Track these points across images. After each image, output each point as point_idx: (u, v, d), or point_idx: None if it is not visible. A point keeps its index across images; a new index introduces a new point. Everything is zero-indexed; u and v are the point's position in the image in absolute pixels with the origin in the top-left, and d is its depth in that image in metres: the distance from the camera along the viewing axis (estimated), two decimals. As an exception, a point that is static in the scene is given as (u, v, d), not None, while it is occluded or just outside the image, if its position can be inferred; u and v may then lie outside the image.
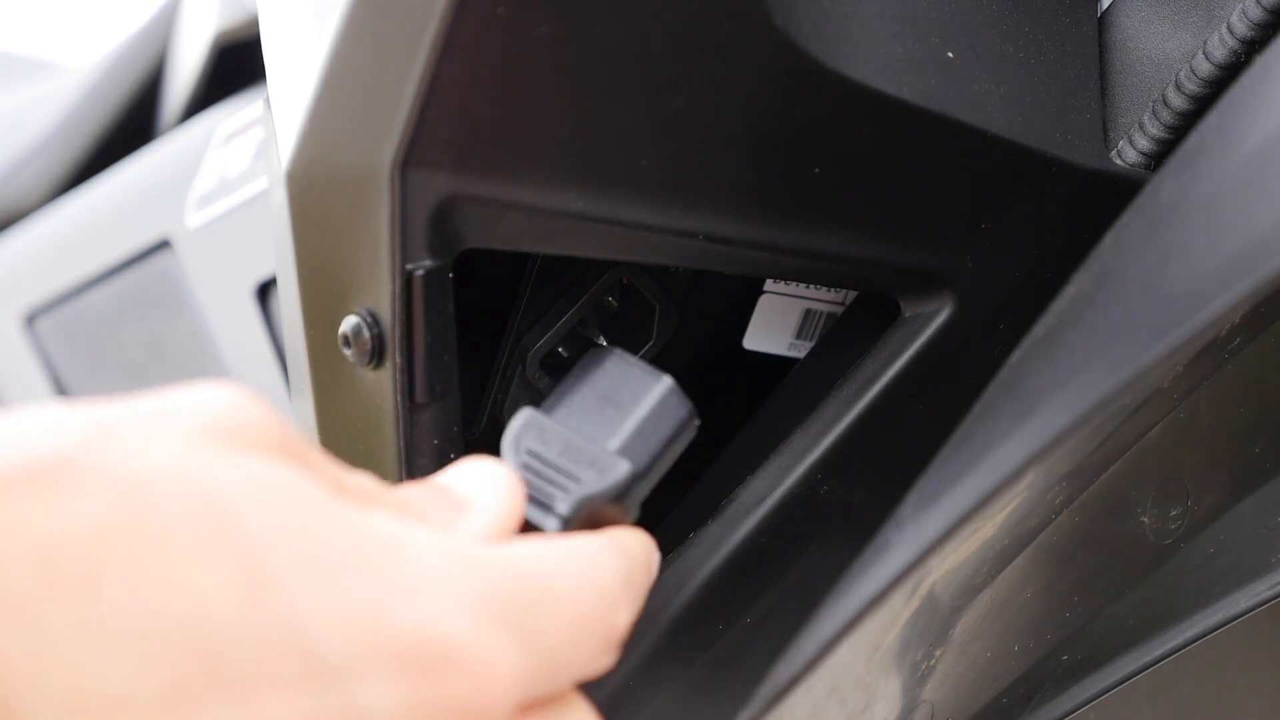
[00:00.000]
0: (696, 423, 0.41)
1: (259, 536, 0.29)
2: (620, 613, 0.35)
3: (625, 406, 0.40)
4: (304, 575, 0.30)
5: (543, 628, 0.33)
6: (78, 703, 0.27)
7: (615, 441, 0.40)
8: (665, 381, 0.41)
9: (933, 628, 0.42)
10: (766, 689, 0.38)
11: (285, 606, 0.29)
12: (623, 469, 0.39)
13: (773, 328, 0.52)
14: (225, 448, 0.30)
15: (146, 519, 0.29)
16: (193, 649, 0.28)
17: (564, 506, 0.38)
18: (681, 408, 0.41)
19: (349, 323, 0.42)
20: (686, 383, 0.43)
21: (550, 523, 0.38)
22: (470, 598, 0.32)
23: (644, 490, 0.40)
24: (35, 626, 0.27)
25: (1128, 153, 0.46)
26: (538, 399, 0.47)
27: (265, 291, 0.85)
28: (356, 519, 0.31)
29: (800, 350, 0.53)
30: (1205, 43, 0.45)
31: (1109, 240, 0.37)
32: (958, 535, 0.37)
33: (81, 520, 0.28)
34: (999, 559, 0.41)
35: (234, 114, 0.91)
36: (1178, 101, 0.45)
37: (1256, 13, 0.43)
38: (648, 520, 0.41)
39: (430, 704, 0.31)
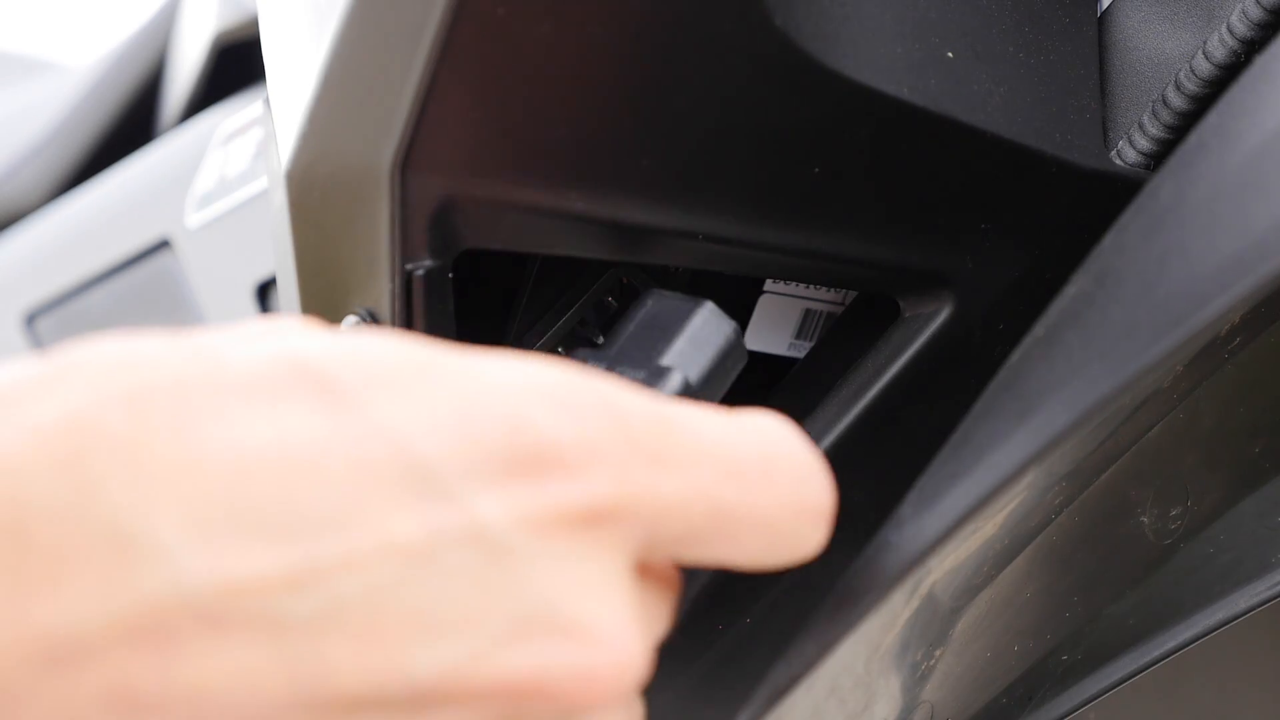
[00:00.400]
0: (743, 343, 0.40)
1: (329, 365, 0.29)
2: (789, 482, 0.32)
3: (669, 330, 0.40)
4: (381, 393, 0.29)
5: (676, 453, 0.31)
6: (196, 527, 0.27)
7: (664, 359, 0.39)
8: (705, 304, 0.40)
9: (932, 628, 0.42)
10: (766, 689, 0.38)
11: (372, 423, 0.29)
12: (675, 377, 0.38)
13: (773, 328, 0.52)
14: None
15: (227, 371, 0.29)
16: (288, 480, 0.28)
17: None
18: (726, 325, 0.40)
19: (349, 322, 0.42)
20: (686, 383, 0.43)
21: None
22: (573, 401, 0.30)
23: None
24: (141, 463, 0.27)
25: (1128, 153, 0.46)
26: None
27: (265, 291, 0.85)
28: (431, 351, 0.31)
29: (800, 350, 0.53)
30: (1205, 43, 0.45)
31: (1109, 240, 0.37)
32: (958, 535, 0.37)
33: (169, 374, 0.28)
34: (999, 559, 0.41)
35: (234, 114, 0.91)
36: (1178, 101, 0.45)
37: (1256, 13, 0.43)
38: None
39: (545, 510, 0.30)
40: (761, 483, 0.32)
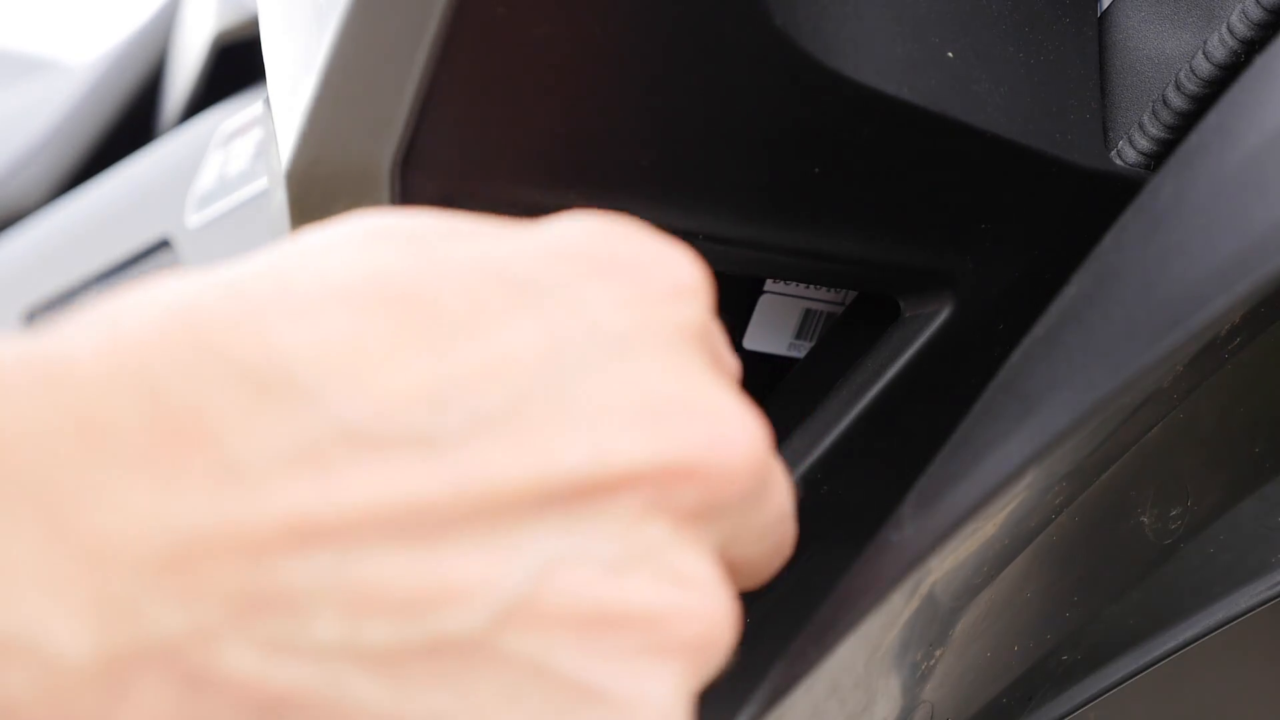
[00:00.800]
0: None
1: (408, 221, 0.32)
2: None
3: None
4: (463, 237, 0.32)
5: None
6: (332, 361, 0.29)
7: None
8: None
9: (933, 628, 0.42)
10: (766, 689, 0.38)
11: (471, 254, 0.31)
12: None
13: (773, 328, 0.53)
14: None
15: (320, 233, 0.32)
16: (408, 306, 0.30)
17: None
18: None
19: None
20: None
21: None
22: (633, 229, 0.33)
23: None
24: (264, 311, 0.29)
25: (1128, 153, 0.46)
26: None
27: (265, 291, 0.85)
28: None
29: (800, 350, 0.53)
30: (1205, 43, 0.45)
31: (1109, 240, 0.37)
32: (958, 535, 0.37)
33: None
34: (999, 559, 0.41)
35: (234, 114, 0.91)
36: (1178, 102, 0.45)
37: (1257, 13, 0.43)
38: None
39: (650, 309, 0.32)
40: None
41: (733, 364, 0.35)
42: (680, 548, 0.31)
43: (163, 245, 0.91)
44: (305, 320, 0.29)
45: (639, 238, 0.33)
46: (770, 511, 0.33)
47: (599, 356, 0.31)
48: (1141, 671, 0.45)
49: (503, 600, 0.29)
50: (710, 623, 0.31)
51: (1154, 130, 0.46)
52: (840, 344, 0.50)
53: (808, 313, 0.52)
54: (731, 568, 0.33)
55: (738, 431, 0.31)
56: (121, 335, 0.28)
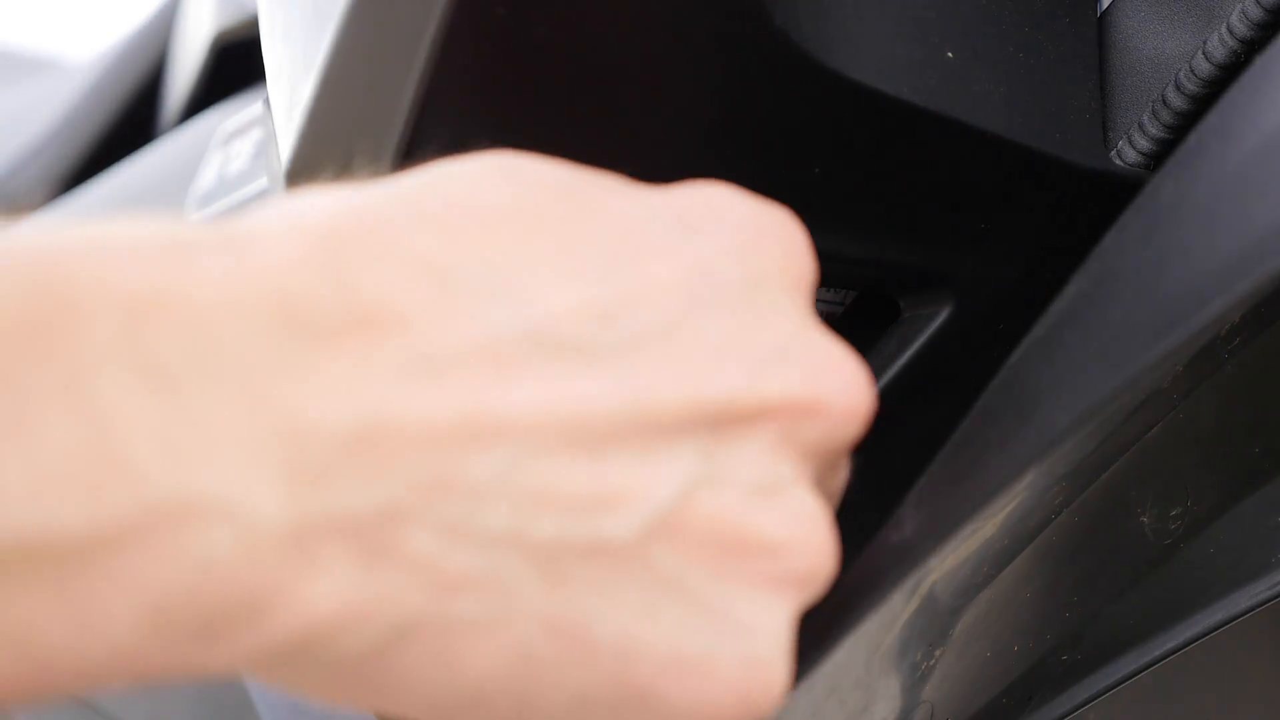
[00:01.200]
0: None
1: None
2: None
3: None
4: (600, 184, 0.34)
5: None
6: (515, 273, 0.31)
7: None
8: None
9: (932, 627, 0.42)
10: (766, 689, 0.38)
11: (611, 195, 0.34)
12: None
13: (773, 328, 0.52)
14: None
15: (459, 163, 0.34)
16: (569, 233, 0.32)
17: None
18: None
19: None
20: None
21: None
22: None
23: None
24: (451, 227, 0.31)
25: (1128, 153, 0.46)
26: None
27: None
28: None
29: (800, 350, 0.52)
30: (1205, 43, 0.45)
31: (1109, 240, 0.37)
32: (958, 535, 0.37)
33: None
34: (999, 559, 0.41)
35: (234, 114, 0.91)
36: (1177, 102, 0.45)
37: (1256, 13, 0.43)
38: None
39: (765, 264, 0.34)
40: None
41: None
42: (801, 483, 0.33)
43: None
44: (479, 232, 0.31)
45: (757, 201, 0.36)
46: (845, 468, 0.37)
47: (733, 298, 0.33)
48: (1141, 671, 0.45)
49: (653, 512, 0.31)
50: (821, 557, 0.33)
51: (1154, 130, 0.46)
52: (840, 344, 0.50)
53: (808, 313, 0.52)
54: None
55: (859, 379, 0.34)
56: (309, 226, 0.29)
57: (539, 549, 0.30)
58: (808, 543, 0.33)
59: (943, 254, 0.46)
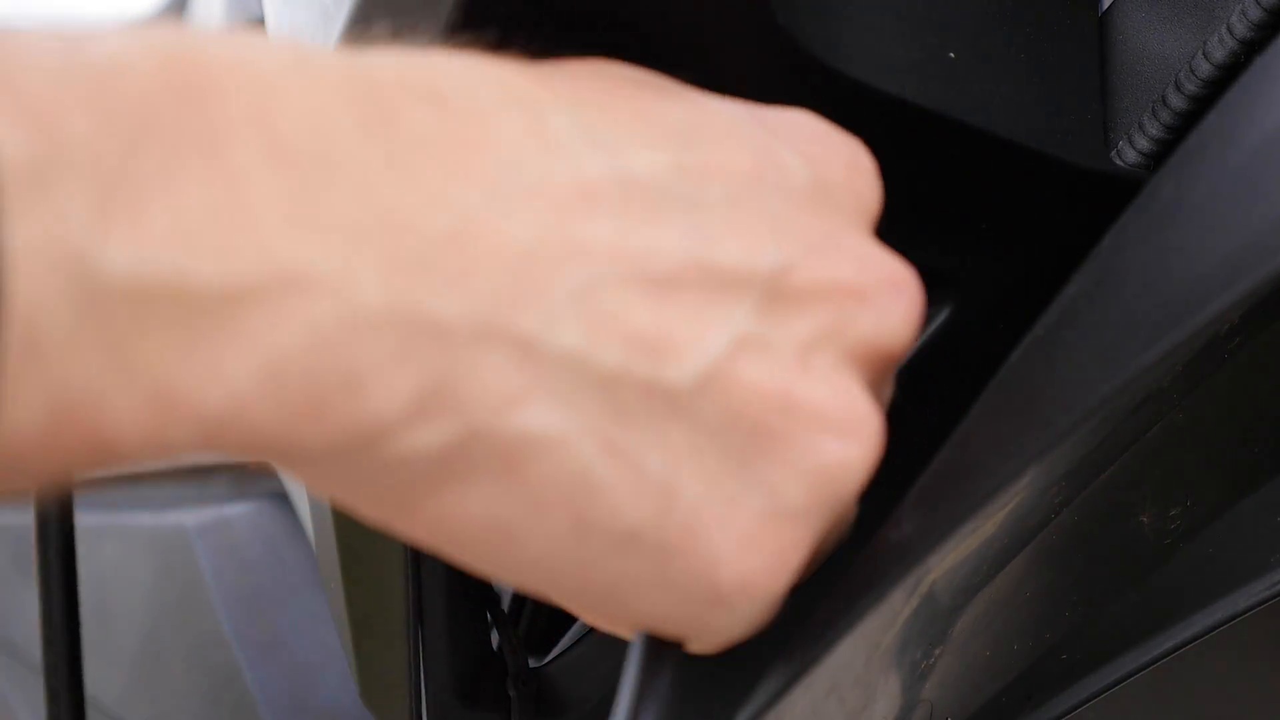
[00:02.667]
0: None
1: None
2: None
3: None
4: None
5: None
6: (604, 129, 0.34)
7: None
8: None
9: (932, 626, 0.42)
10: (766, 688, 0.38)
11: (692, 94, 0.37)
12: None
13: (773, 327, 0.52)
14: None
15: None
16: (651, 107, 0.35)
17: None
18: None
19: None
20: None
21: None
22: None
23: None
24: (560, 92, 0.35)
25: (1128, 153, 0.47)
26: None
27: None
28: None
29: (801, 350, 0.53)
30: (1205, 43, 0.45)
31: (1109, 240, 0.37)
32: (957, 535, 0.37)
33: None
34: (998, 558, 0.41)
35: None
36: (1177, 102, 0.45)
37: (1256, 13, 0.43)
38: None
39: (825, 172, 0.37)
40: None
41: None
42: (849, 370, 0.35)
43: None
44: (572, 92, 0.34)
45: (836, 129, 0.38)
46: (891, 385, 0.38)
47: (797, 192, 0.35)
48: (1140, 671, 0.45)
49: (707, 362, 0.33)
50: (861, 440, 0.35)
51: (1154, 130, 0.46)
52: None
53: (808, 312, 0.52)
54: None
55: (911, 283, 0.37)
56: (412, 60, 0.32)
57: (603, 376, 0.32)
58: (848, 418, 0.35)
59: (943, 254, 0.46)
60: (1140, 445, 0.41)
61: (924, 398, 0.48)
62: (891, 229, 0.45)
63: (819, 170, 0.36)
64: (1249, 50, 0.44)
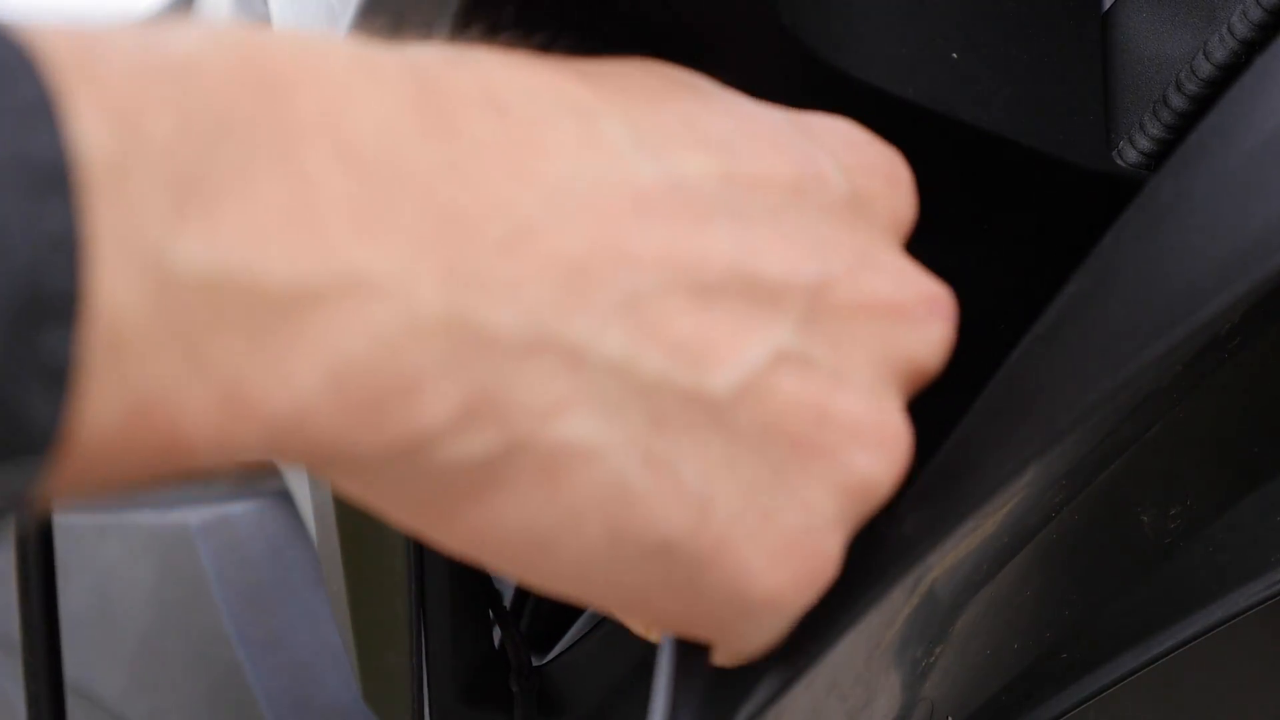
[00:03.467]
0: None
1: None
2: None
3: None
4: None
5: None
6: (653, 135, 0.34)
7: None
8: None
9: (933, 625, 0.42)
10: (767, 686, 0.38)
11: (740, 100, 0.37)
12: None
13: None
14: None
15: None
16: (700, 113, 0.36)
17: None
18: None
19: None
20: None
21: None
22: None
23: None
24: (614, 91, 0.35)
25: (1128, 153, 0.47)
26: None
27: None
28: None
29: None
30: (1205, 43, 0.45)
31: (1109, 240, 0.37)
32: (958, 533, 0.38)
33: None
34: (998, 557, 0.41)
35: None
36: (1178, 102, 0.45)
37: (1257, 13, 0.43)
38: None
39: (863, 184, 0.37)
40: None
41: None
42: (886, 384, 0.36)
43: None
44: (623, 96, 0.34)
45: (876, 138, 0.38)
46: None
47: (836, 206, 0.36)
48: (1141, 670, 0.45)
49: (747, 372, 0.33)
50: (890, 461, 0.35)
51: (1154, 130, 0.46)
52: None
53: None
54: None
55: (945, 301, 0.37)
56: (467, 59, 0.32)
57: (645, 384, 0.32)
58: (883, 435, 0.35)
59: (942, 254, 0.46)
60: (1140, 445, 0.41)
61: (924, 397, 0.48)
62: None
63: (859, 182, 0.37)
64: (1249, 50, 0.44)
